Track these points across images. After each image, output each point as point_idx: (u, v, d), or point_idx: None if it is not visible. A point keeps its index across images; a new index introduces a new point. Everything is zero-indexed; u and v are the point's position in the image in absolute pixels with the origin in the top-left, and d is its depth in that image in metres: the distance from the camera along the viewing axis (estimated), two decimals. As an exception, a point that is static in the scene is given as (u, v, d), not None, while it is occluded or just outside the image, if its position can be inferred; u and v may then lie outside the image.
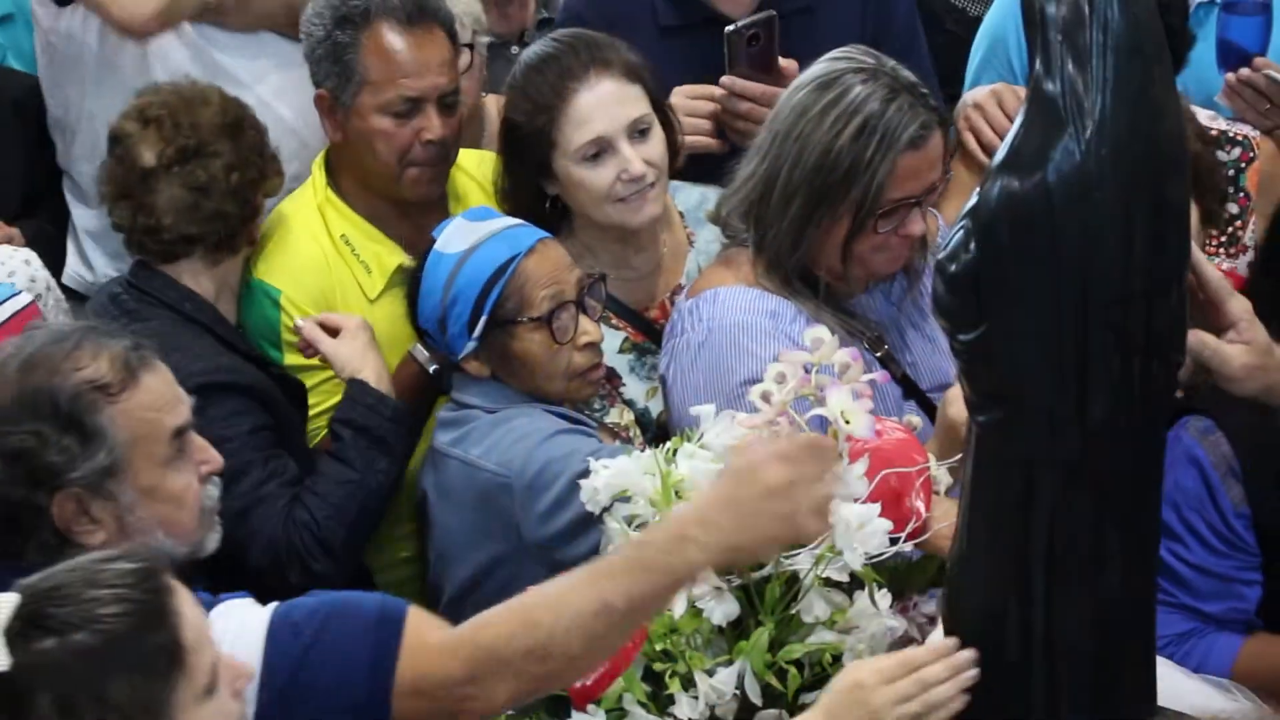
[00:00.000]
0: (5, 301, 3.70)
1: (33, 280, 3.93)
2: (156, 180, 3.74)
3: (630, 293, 3.87)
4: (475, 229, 3.63)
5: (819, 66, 3.53)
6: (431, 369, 3.75)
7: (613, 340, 3.80)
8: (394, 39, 3.81)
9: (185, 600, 2.45)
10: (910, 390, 3.58)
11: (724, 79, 4.00)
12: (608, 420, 3.77)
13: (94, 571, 2.42)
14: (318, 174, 3.97)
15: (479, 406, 3.62)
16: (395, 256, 3.89)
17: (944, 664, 2.70)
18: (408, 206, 3.93)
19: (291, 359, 3.84)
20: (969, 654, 2.70)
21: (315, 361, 3.81)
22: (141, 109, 3.81)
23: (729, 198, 3.61)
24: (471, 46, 4.15)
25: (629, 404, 3.80)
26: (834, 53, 3.56)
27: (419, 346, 3.76)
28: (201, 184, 3.73)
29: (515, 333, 3.58)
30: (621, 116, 3.74)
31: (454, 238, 3.62)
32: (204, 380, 3.55)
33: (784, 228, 3.50)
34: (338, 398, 3.76)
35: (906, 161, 3.41)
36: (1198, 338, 2.92)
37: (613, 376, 3.80)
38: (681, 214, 3.97)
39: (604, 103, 3.74)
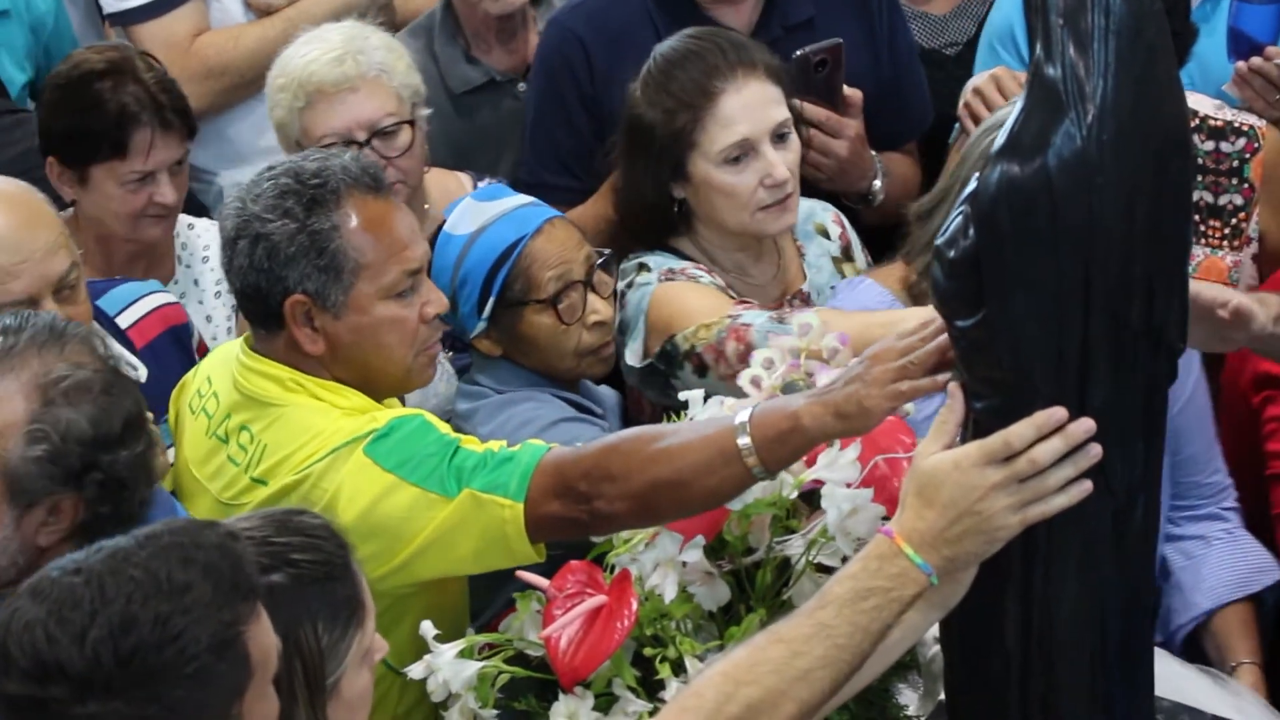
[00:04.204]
0: (147, 296, 3.72)
1: None
2: None
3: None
4: (484, 209, 3.62)
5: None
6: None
7: None
8: (376, 209, 3.22)
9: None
10: None
11: (789, 103, 3.91)
12: None
13: (284, 520, 2.49)
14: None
15: (490, 387, 3.62)
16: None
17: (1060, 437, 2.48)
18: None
19: None
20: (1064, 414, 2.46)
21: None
22: None
23: (914, 203, 3.55)
24: (413, 123, 3.94)
25: None
26: None
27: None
28: None
29: (522, 314, 3.59)
30: (767, 119, 3.65)
31: (463, 219, 3.62)
32: None
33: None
34: None
35: None
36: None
37: None
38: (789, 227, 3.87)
39: (750, 105, 3.63)
